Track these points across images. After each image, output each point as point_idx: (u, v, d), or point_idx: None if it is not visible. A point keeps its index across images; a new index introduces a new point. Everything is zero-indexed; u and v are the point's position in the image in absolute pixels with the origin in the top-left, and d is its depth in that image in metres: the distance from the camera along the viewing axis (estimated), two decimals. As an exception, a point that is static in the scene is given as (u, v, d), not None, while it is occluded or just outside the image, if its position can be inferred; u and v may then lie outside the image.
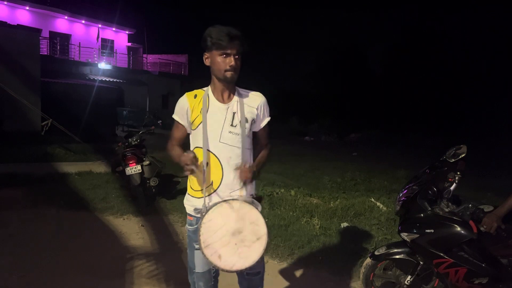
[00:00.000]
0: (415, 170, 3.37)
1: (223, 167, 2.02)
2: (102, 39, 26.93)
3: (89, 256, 3.75)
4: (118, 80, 22.86)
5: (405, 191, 2.84)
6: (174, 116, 2.11)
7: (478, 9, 29.25)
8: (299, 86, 33.09)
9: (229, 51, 1.92)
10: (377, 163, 10.94)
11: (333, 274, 3.57)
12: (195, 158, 1.89)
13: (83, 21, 26.54)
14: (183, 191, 2.22)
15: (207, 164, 2.01)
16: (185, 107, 2.05)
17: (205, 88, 2.09)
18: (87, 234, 4.41)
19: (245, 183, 2.00)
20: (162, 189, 5.91)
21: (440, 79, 28.78)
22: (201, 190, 2.02)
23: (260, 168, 2.15)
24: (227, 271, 1.88)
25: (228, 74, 1.96)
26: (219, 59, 1.95)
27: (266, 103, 2.16)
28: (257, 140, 2.20)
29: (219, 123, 2.01)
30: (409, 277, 2.75)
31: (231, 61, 1.93)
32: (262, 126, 2.17)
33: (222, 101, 2.04)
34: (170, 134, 2.18)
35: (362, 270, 3.00)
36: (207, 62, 2.02)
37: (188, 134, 2.13)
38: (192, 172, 1.89)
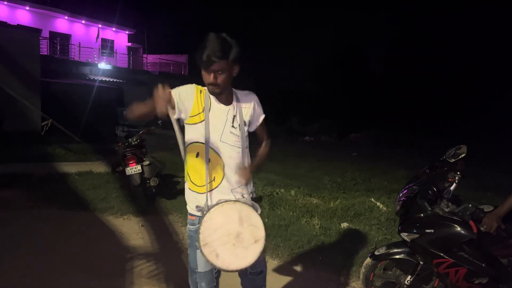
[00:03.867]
0: (415, 170, 3.37)
1: (225, 164, 2.05)
2: (102, 39, 26.95)
3: (89, 256, 3.75)
4: (118, 80, 22.86)
5: (405, 191, 2.84)
6: (173, 90, 1.96)
7: (479, 9, 29.24)
8: (299, 85, 33.03)
9: (208, 70, 1.91)
10: (377, 163, 10.93)
11: (333, 274, 3.57)
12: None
13: (83, 21, 26.55)
14: (183, 191, 2.22)
15: (209, 160, 2.03)
16: (191, 96, 2.03)
17: (206, 88, 2.08)
18: (87, 234, 4.41)
19: (246, 183, 2.09)
20: (162, 189, 5.91)
21: (440, 79, 28.78)
22: (204, 186, 2.02)
23: (263, 161, 2.24)
24: (223, 270, 1.90)
25: (210, 88, 1.99)
26: (203, 72, 1.96)
27: (258, 101, 2.20)
28: (258, 137, 2.26)
29: (221, 123, 2.05)
30: (409, 277, 2.75)
31: (210, 77, 1.93)
32: (259, 124, 2.22)
33: (223, 103, 2.07)
34: (147, 101, 1.94)
35: (362, 270, 3.00)
36: None
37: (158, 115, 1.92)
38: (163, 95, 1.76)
